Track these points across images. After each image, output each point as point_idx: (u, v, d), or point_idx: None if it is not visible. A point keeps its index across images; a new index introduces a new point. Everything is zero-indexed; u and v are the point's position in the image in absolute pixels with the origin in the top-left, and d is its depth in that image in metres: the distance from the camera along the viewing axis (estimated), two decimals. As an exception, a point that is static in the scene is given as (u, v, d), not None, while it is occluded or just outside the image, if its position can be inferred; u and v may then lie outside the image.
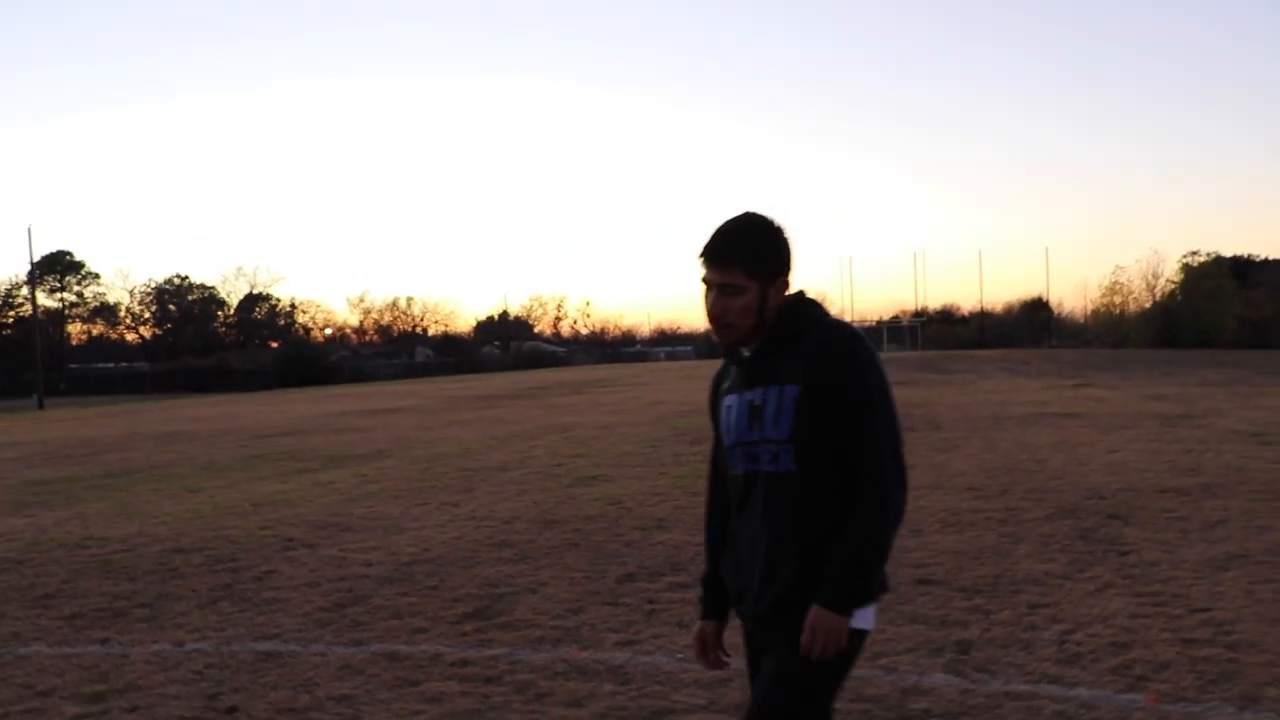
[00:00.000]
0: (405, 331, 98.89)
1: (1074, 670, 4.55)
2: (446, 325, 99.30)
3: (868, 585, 2.35)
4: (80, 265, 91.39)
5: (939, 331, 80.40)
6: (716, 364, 2.71)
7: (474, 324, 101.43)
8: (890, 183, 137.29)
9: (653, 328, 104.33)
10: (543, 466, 12.77)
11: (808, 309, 2.50)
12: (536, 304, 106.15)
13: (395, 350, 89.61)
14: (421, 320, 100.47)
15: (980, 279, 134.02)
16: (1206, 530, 7.41)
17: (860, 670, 4.16)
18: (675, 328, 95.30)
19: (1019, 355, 48.54)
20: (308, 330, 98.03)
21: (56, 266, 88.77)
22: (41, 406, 47.43)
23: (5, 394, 65.93)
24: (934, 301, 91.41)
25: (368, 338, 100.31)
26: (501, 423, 20.53)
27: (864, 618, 2.39)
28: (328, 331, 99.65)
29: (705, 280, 2.48)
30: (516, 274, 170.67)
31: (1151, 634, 5.02)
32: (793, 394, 2.39)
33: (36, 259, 67.06)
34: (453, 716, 4.31)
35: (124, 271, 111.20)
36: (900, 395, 20.96)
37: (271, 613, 6.14)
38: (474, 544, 7.97)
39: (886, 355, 56.40)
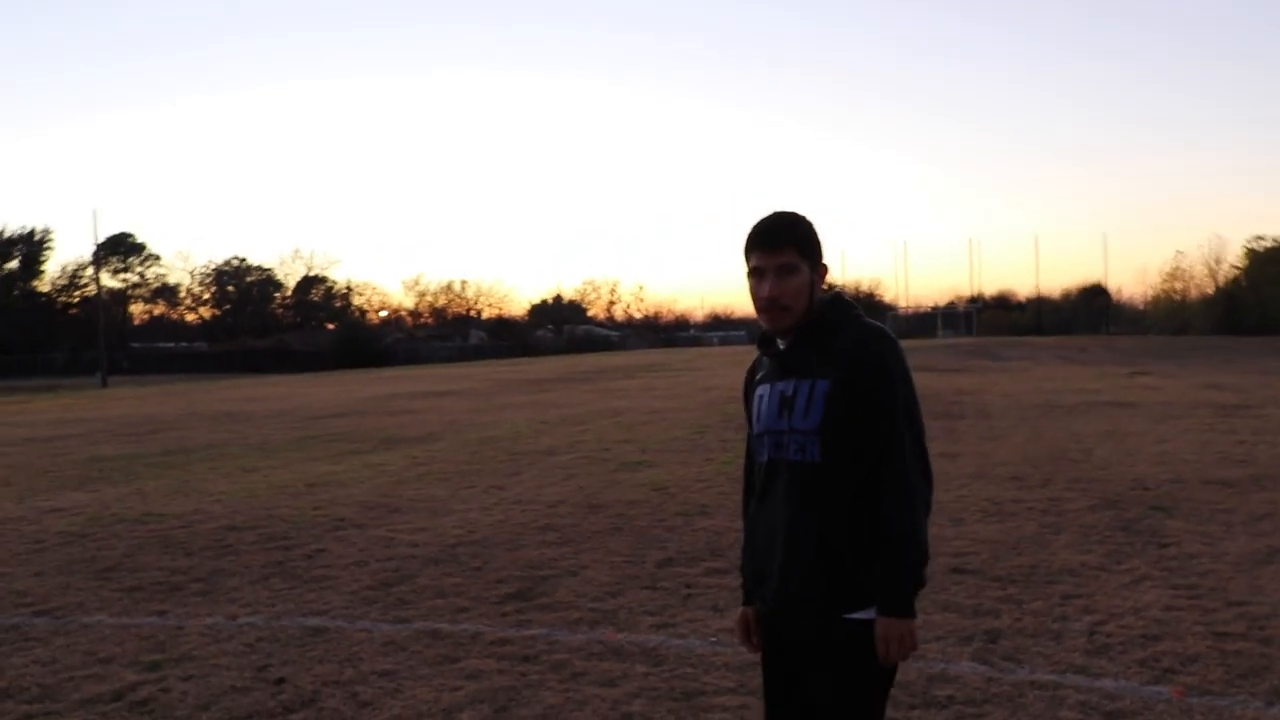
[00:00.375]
0: (459, 314, 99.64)
1: (1101, 661, 4.59)
2: (500, 308, 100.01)
3: (916, 580, 2.43)
4: (142, 247, 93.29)
5: (995, 317, 79.18)
6: None
7: (528, 307, 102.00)
8: (947, 168, 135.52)
9: (706, 312, 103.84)
10: (590, 451, 12.92)
11: (844, 308, 2.60)
12: (590, 288, 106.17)
13: (449, 333, 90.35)
14: (475, 303, 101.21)
15: (1037, 265, 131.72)
16: (1251, 523, 7.35)
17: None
18: (729, 312, 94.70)
19: (1075, 342, 47.78)
20: (363, 312, 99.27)
21: (120, 248, 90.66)
22: (104, 384, 48.62)
23: (71, 371, 67.76)
24: (990, 287, 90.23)
25: (422, 320, 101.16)
26: (553, 407, 20.72)
27: None
28: (383, 314, 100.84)
29: (756, 269, 2.55)
30: (570, 258, 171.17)
31: (1184, 626, 5.03)
32: (824, 388, 2.48)
33: (101, 241, 68.70)
34: (490, 693, 4.46)
35: (184, 253, 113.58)
36: (951, 383, 20.72)
37: (321, 590, 6.35)
38: (518, 527, 8.13)
39: (941, 341, 55.84)
